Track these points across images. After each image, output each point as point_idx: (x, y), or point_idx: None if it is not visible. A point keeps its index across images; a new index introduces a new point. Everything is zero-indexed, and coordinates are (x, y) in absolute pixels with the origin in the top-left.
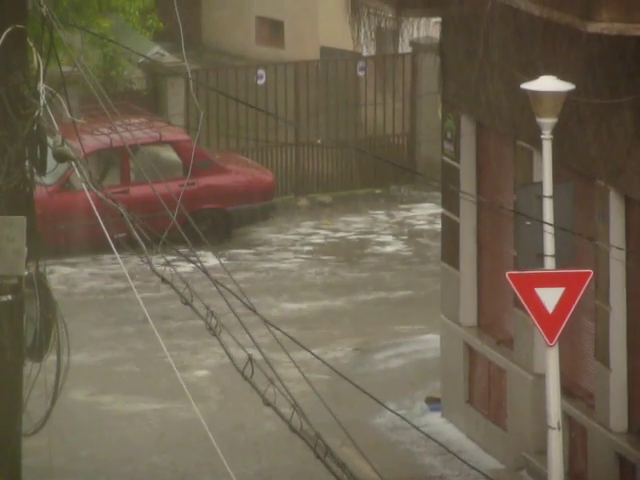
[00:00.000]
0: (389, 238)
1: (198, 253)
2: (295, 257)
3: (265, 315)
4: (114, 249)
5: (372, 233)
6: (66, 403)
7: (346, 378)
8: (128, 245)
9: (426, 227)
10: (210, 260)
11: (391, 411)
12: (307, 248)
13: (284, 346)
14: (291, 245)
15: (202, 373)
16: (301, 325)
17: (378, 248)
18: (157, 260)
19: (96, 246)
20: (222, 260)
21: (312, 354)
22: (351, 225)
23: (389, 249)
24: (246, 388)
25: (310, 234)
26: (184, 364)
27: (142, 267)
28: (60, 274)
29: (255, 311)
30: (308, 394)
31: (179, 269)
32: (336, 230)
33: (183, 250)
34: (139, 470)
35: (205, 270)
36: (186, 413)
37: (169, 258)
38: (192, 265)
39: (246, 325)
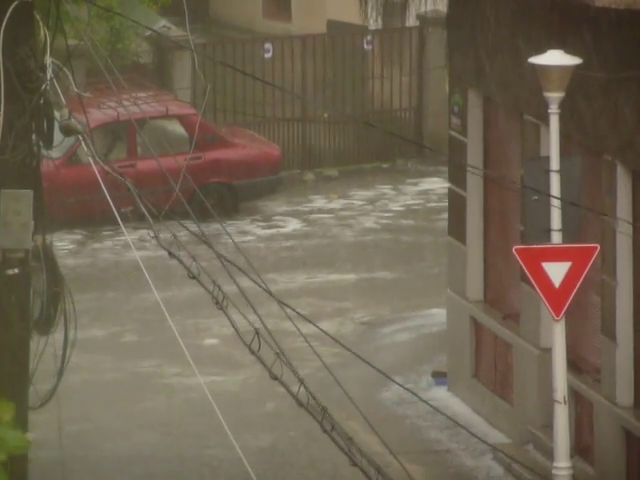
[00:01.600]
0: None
1: (281, 219)
2: (375, 222)
3: (288, 286)
4: (121, 223)
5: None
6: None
7: (354, 353)
8: (137, 218)
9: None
10: (289, 225)
11: (400, 385)
12: (386, 214)
13: (296, 319)
14: (371, 211)
15: (221, 344)
16: (319, 296)
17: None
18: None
19: (103, 219)
20: (299, 225)
21: (318, 328)
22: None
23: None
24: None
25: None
26: (204, 333)
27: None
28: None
29: (262, 286)
30: (317, 367)
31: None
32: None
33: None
34: (142, 446)
35: (210, 244)
36: (214, 385)
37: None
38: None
39: (268, 296)
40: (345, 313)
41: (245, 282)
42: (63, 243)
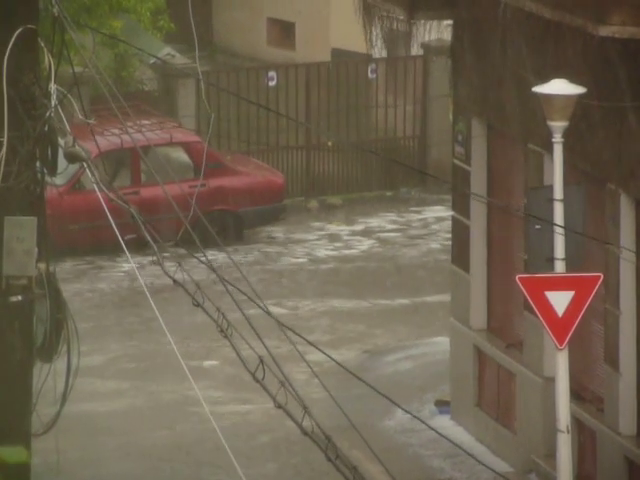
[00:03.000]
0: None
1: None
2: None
3: (291, 313)
4: (126, 250)
5: None
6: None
7: (363, 381)
8: (140, 246)
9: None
10: (360, 245)
11: (406, 412)
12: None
13: (298, 347)
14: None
15: (224, 370)
16: (323, 324)
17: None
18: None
19: (107, 247)
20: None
21: (329, 357)
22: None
23: None
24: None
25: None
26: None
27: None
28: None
29: (267, 311)
30: (317, 396)
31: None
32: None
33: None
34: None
35: (215, 270)
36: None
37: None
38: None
39: (267, 325)
40: (348, 342)
41: (272, 308)
42: (119, 264)
